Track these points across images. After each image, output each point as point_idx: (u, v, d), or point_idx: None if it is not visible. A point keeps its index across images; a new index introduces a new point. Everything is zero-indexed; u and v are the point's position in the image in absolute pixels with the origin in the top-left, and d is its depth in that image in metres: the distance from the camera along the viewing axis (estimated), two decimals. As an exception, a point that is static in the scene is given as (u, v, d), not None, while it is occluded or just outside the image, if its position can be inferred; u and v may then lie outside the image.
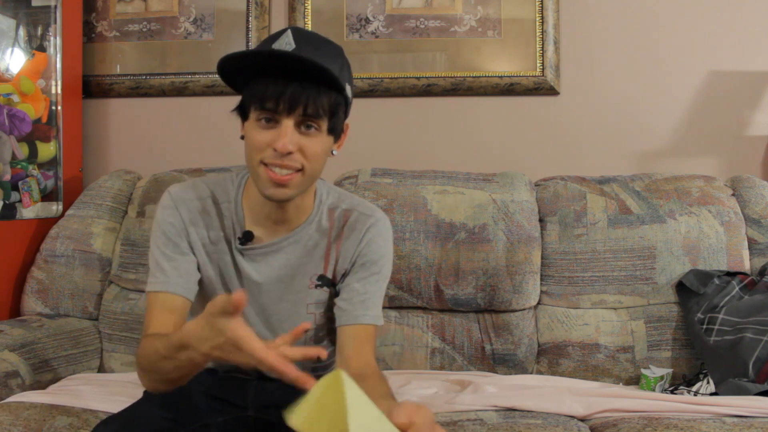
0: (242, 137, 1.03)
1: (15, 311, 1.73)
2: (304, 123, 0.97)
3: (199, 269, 1.10)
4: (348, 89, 1.01)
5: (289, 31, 0.98)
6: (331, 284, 1.13)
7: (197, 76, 2.07)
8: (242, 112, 1.03)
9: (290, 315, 1.12)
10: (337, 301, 1.10)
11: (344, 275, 1.12)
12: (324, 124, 0.98)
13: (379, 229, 1.12)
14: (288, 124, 0.96)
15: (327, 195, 1.15)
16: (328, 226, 1.12)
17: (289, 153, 0.96)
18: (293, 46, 0.96)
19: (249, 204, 1.10)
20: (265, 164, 0.98)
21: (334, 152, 1.05)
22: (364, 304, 1.08)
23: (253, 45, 2.05)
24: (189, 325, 0.80)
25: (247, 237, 1.08)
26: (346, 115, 1.05)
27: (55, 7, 1.87)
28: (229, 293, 1.11)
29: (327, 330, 1.16)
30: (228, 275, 1.11)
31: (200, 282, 1.10)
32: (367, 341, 1.07)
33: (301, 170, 0.99)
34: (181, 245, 1.07)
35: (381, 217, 1.14)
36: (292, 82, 0.94)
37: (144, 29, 2.11)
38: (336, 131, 1.03)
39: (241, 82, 1.00)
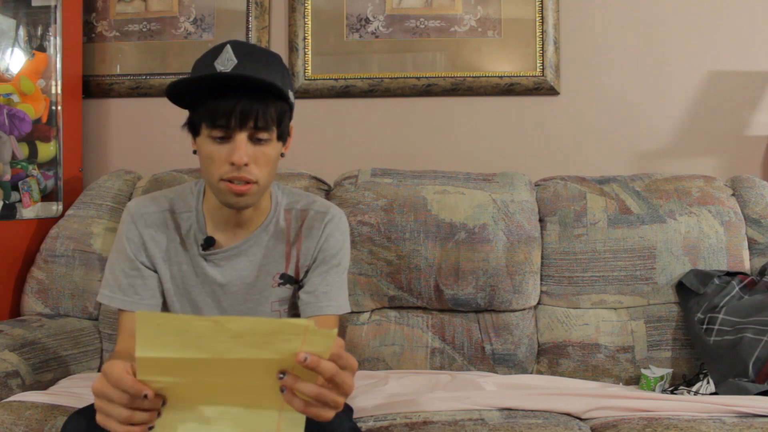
0: (194, 152, 1.09)
1: (15, 311, 1.73)
2: (256, 135, 1.03)
3: (160, 281, 1.16)
4: (291, 95, 1.07)
5: (228, 46, 1.03)
6: (294, 281, 1.19)
7: (197, 76, 2.07)
8: (192, 128, 1.08)
9: (255, 313, 1.18)
10: (300, 294, 1.17)
11: (307, 271, 1.18)
12: (273, 133, 1.05)
13: (336, 224, 1.19)
14: (241, 137, 1.02)
15: (282, 196, 1.21)
16: (285, 226, 1.18)
17: (246, 165, 1.03)
18: (235, 61, 1.01)
19: (209, 211, 1.16)
20: (225, 180, 1.04)
21: (283, 154, 1.12)
22: (327, 295, 1.15)
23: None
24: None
25: (208, 243, 1.14)
26: (290, 118, 1.11)
27: (55, 7, 1.87)
28: (191, 299, 1.15)
29: None
30: (190, 282, 1.16)
31: (163, 293, 1.17)
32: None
33: (255, 182, 1.05)
34: (141, 260, 1.14)
35: (337, 213, 1.20)
36: (241, 98, 1.00)
37: (144, 29, 2.11)
38: (284, 136, 1.10)
39: (190, 101, 1.05)
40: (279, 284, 1.17)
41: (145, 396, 0.68)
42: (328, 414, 0.71)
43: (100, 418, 0.73)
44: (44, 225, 1.81)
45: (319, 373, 0.67)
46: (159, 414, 0.71)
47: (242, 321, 0.63)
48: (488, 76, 2.02)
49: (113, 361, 0.72)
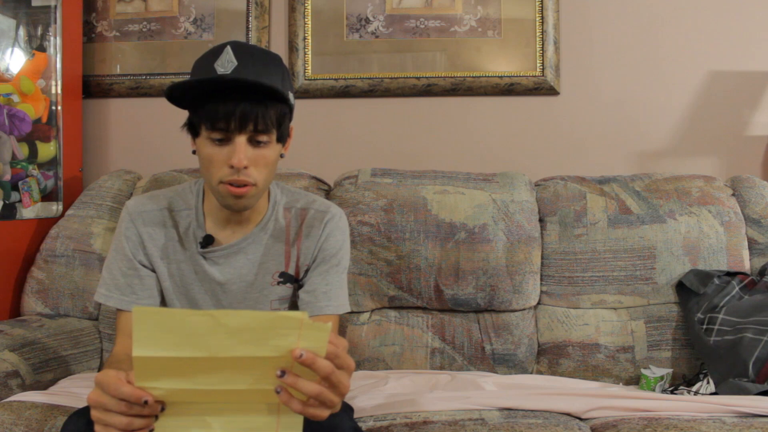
0: (194, 152, 1.09)
1: (15, 311, 1.73)
2: (255, 137, 1.03)
3: (158, 280, 1.16)
4: (291, 97, 1.07)
5: (228, 47, 1.03)
6: (294, 280, 1.19)
7: (197, 76, 2.07)
8: (192, 129, 1.08)
9: None
10: (300, 294, 1.17)
11: (307, 270, 1.18)
12: (273, 135, 1.05)
13: (336, 224, 1.19)
14: (240, 140, 1.02)
15: (281, 195, 1.21)
16: (285, 224, 1.18)
17: (245, 167, 1.03)
18: (235, 63, 1.01)
19: (209, 209, 1.16)
20: (224, 182, 1.04)
21: (282, 155, 1.12)
22: (327, 295, 1.15)
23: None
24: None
25: (207, 241, 1.14)
26: (290, 120, 1.11)
27: (55, 7, 1.87)
28: (191, 297, 1.15)
29: None
30: (189, 280, 1.16)
31: (161, 292, 1.17)
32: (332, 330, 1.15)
33: (254, 185, 1.06)
34: (139, 259, 1.14)
35: (337, 212, 1.20)
36: (241, 101, 0.99)
37: (144, 29, 2.11)
38: (283, 138, 1.10)
39: (189, 103, 1.04)
40: (278, 283, 1.17)
41: (145, 402, 0.68)
42: (324, 414, 0.71)
43: (99, 429, 0.72)
44: (44, 225, 1.81)
45: (315, 371, 0.67)
46: (156, 418, 0.71)
47: (237, 315, 0.64)
48: (488, 76, 2.02)
49: (106, 370, 0.72)
